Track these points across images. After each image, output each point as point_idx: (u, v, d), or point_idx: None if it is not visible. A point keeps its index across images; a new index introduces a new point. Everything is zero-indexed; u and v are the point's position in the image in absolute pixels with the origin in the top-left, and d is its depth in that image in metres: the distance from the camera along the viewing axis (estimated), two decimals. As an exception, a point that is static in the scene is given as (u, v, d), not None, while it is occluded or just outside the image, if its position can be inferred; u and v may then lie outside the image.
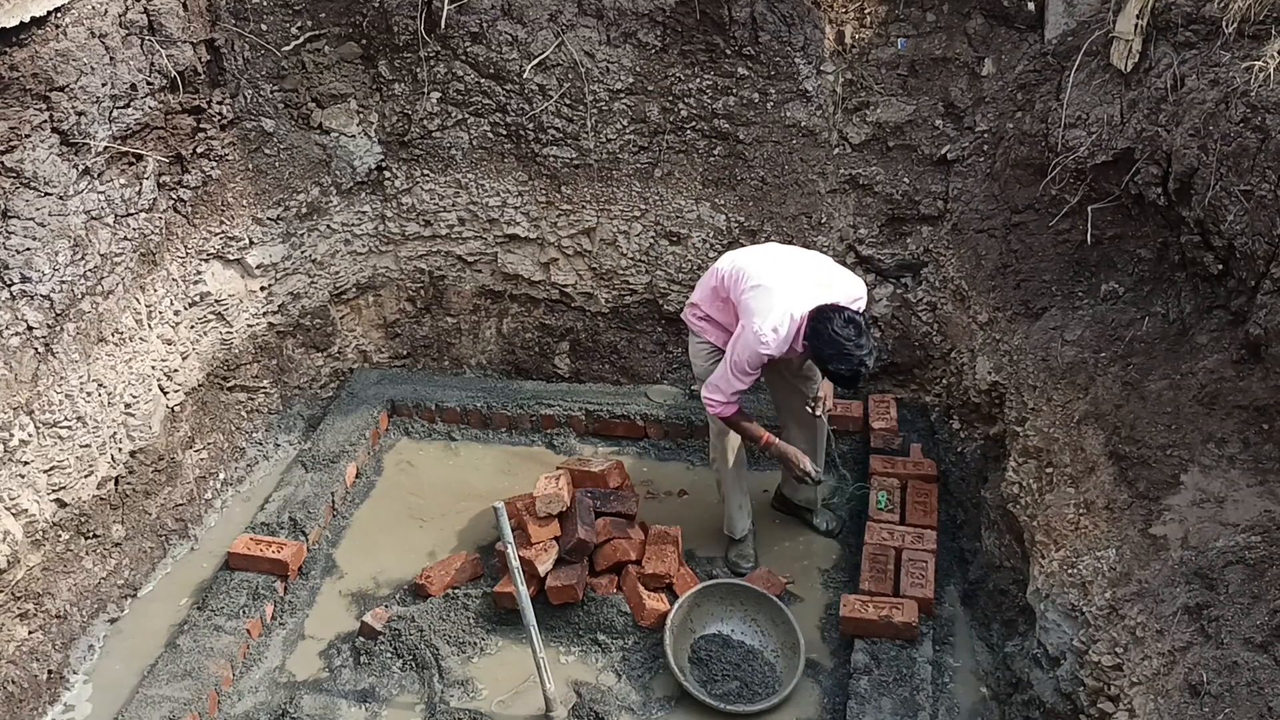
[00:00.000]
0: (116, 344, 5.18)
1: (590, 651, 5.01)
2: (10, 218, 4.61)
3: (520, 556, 4.67)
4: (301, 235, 6.18)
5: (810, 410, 5.13)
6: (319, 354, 6.54)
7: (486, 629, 5.11)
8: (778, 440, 5.07)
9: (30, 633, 4.77)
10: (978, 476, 5.40)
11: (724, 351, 4.89)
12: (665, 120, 5.91)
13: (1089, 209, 4.92)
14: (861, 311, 4.72)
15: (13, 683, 4.63)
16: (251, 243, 5.95)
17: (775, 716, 4.70)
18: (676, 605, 4.93)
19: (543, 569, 5.03)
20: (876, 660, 4.72)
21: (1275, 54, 4.02)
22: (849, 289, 4.79)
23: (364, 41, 5.95)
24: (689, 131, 5.93)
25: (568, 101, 5.93)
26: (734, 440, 5.21)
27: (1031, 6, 5.43)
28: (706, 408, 4.94)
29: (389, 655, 4.99)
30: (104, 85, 4.97)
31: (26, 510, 4.69)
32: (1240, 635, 3.38)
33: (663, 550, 5.17)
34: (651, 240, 6.18)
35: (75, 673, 5.00)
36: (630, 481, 5.57)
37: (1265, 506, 3.70)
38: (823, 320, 4.52)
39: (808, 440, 5.32)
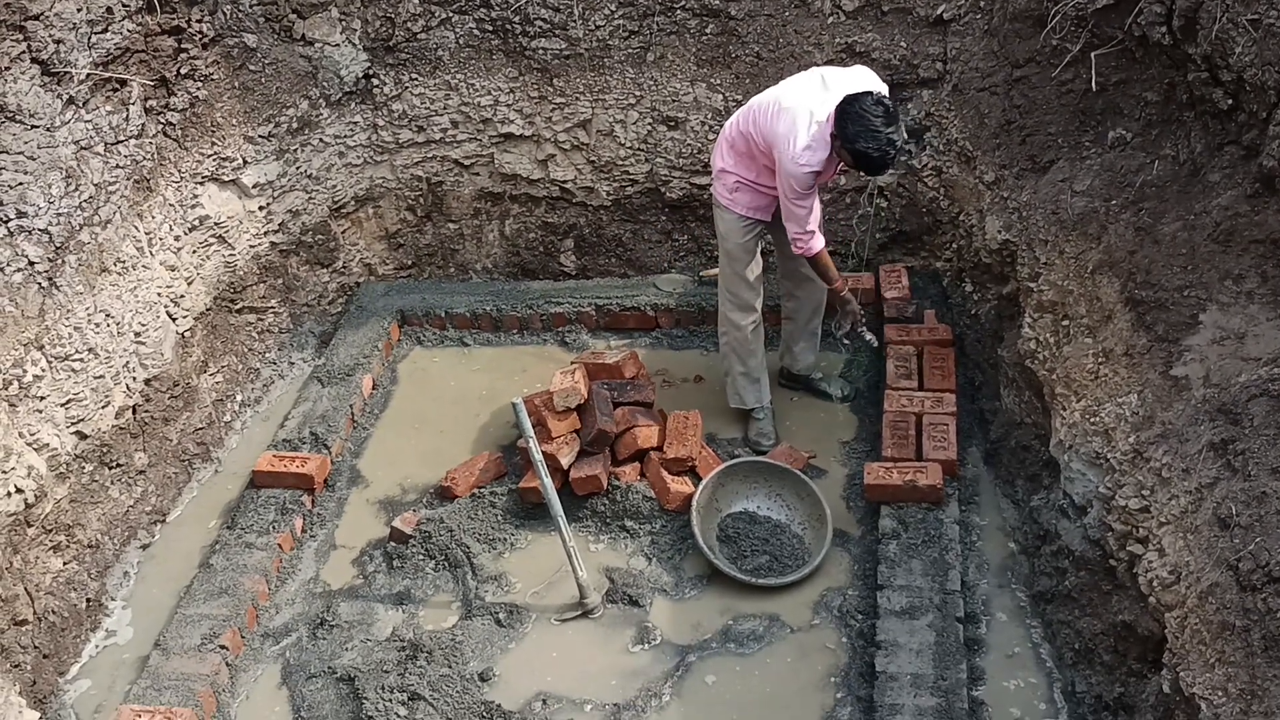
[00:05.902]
0: (120, 273, 5.15)
1: (619, 538, 5.05)
2: (-1, 153, 4.56)
3: (542, 451, 4.68)
4: (295, 151, 6.10)
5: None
6: (324, 270, 6.49)
7: (515, 524, 5.15)
8: (847, 290, 5.13)
9: (65, 564, 4.82)
10: (993, 337, 5.37)
11: (760, 220, 5.03)
12: (654, 1, 5.78)
13: (1092, 56, 4.80)
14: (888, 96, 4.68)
15: (53, 613, 4.70)
16: (245, 162, 5.87)
17: (807, 586, 4.75)
18: (701, 486, 4.95)
19: (565, 462, 5.05)
20: (904, 524, 4.74)
21: (1277, -128, 3.88)
22: (863, 82, 4.74)
23: (339, -55, 5.81)
24: (679, 11, 5.79)
25: (552, -10, 5.80)
26: (746, 318, 5.23)
27: None
28: (795, 249, 4.92)
29: (421, 557, 5.04)
30: (79, 10, 4.87)
31: (48, 444, 4.70)
32: (1267, 466, 3.37)
33: (683, 435, 5.18)
34: (649, 127, 6.08)
35: (113, 599, 5.07)
36: (645, 370, 5.56)
37: (1286, 338, 3.67)
38: (850, 101, 4.52)
39: (814, 304, 5.44)
